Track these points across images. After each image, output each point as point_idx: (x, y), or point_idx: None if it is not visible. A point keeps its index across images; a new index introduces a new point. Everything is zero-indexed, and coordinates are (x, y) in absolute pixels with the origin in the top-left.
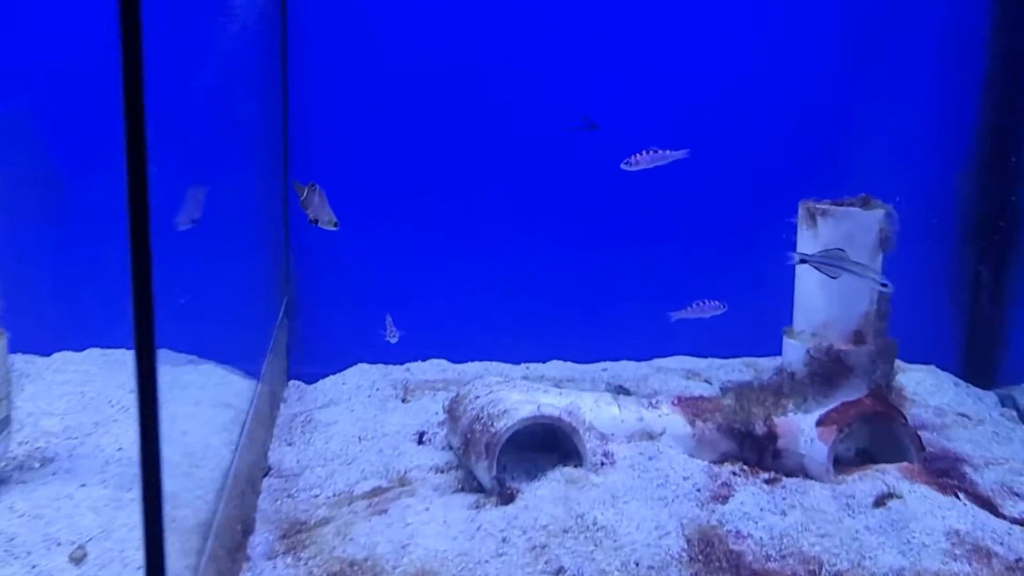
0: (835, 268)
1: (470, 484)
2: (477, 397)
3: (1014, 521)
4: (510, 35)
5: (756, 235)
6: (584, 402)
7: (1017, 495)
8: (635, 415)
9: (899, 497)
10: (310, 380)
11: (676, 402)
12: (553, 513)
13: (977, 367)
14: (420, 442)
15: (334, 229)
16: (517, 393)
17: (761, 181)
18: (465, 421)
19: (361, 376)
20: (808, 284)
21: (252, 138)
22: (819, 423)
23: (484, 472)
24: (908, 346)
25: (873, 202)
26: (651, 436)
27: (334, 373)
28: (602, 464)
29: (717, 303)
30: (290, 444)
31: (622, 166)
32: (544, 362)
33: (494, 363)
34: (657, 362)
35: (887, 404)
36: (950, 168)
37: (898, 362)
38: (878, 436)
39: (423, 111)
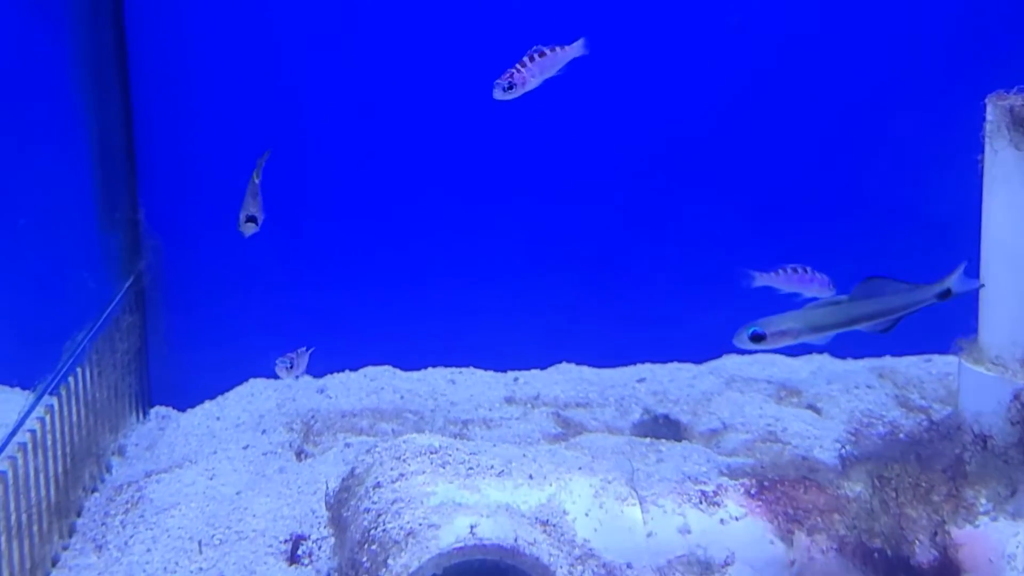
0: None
1: None
2: (377, 487)
3: None
4: None
5: (896, 149)
6: (574, 497)
7: None
8: (675, 523)
9: None
10: (184, 404)
11: (755, 492)
12: None
13: None
14: (292, 559)
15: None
16: (444, 481)
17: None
18: (351, 539)
19: (249, 402)
20: (1017, 252)
21: None
22: None
23: None
24: None
25: None
26: (707, 568)
27: (221, 393)
28: None
29: (825, 279)
30: (99, 547)
31: (500, 94)
32: (544, 368)
33: (465, 370)
34: (728, 366)
35: None
36: None
37: None
38: None
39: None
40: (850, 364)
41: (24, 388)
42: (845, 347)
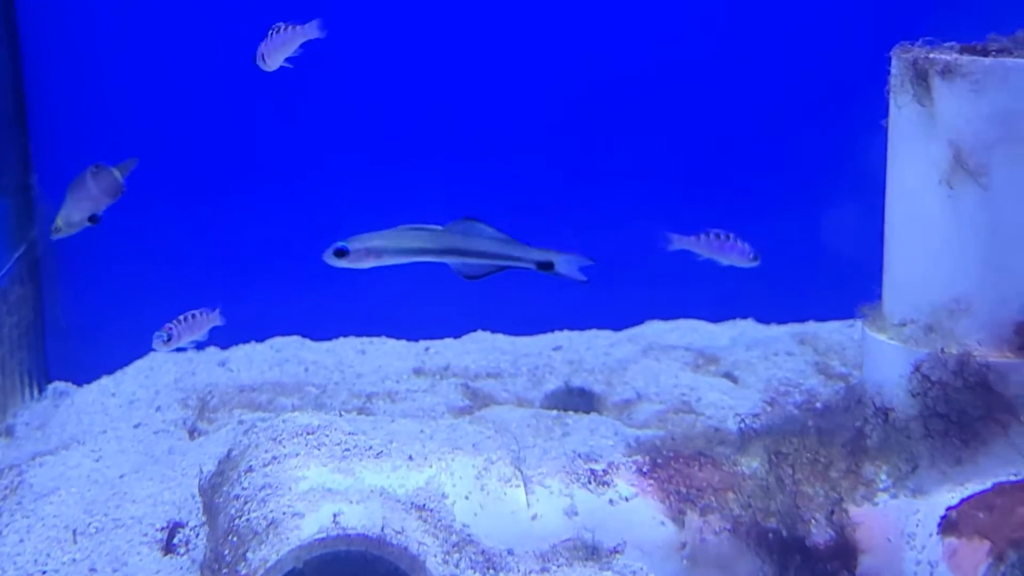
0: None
1: None
2: (249, 471)
3: None
4: None
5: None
6: (455, 479)
7: None
8: (561, 505)
9: None
10: (83, 379)
11: (647, 469)
12: None
13: None
14: (168, 549)
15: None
16: (318, 464)
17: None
18: (220, 528)
19: (147, 377)
20: (919, 213)
21: None
22: (947, 527)
23: None
24: None
25: None
26: (594, 552)
27: (120, 367)
28: None
29: (747, 248)
30: None
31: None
32: (457, 336)
33: (376, 340)
34: (647, 333)
35: None
36: None
37: None
38: None
39: None
40: (772, 329)
41: None
42: (768, 312)
